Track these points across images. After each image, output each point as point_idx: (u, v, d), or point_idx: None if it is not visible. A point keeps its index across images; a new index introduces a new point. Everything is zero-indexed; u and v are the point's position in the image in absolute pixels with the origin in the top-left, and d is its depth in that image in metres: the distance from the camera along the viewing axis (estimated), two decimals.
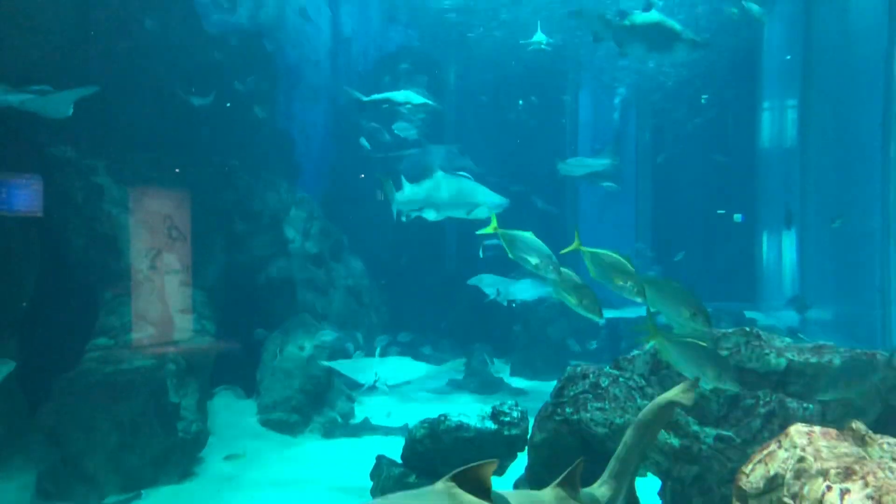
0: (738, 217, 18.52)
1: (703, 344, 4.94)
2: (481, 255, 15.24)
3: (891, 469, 3.81)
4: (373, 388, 11.53)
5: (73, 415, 8.60)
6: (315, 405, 11.57)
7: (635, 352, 6.68)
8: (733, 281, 18.55)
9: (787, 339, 6.38)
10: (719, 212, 19.20)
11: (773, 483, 4.19)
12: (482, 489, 3.51)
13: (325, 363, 11.82)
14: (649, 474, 6.21)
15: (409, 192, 10.27)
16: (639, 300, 5.01)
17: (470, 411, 7.33)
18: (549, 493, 4.19)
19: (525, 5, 18.14)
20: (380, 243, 17.37)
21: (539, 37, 14.88)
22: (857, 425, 4.30)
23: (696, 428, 5.78)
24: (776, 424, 5.56)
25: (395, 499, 3.48)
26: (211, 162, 12.31)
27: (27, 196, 9.04)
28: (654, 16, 10.06)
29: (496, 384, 14.33)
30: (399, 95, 11.81)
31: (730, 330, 6.36)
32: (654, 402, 4.97)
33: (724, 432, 5.71)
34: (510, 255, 5.68)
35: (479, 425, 7.10)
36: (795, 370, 5.84)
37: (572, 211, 21.39)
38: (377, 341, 13.79)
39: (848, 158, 14.03)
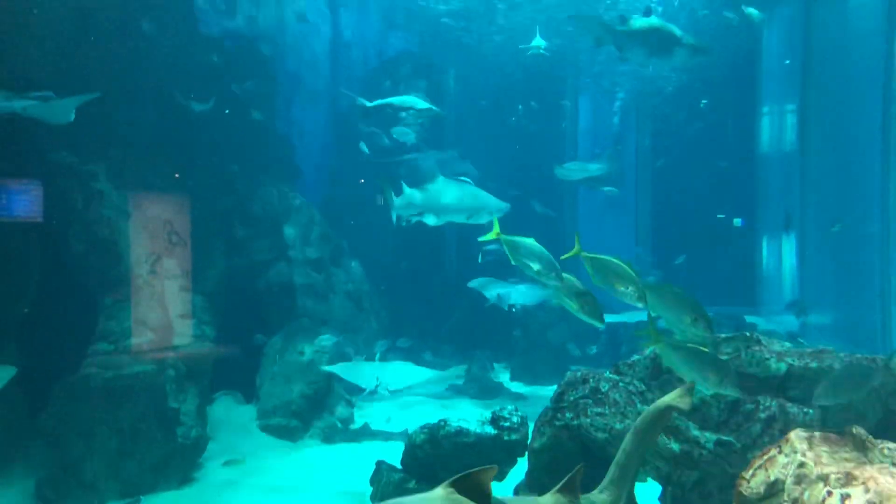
0: (737, 221, 18.51)
1: (705, 349, 4.94)
2: (480, 260, 15.25)
3: (891, 474, 3.80)
4: (374, 393, 11.53)
5: (73, 420, 8.60)
6: (315, 410, 11.56)
7: (635, 356, 6.68)
8: (733, 285, 18.52)
9: (787, 344, 6.38)
10: (719, 216, 19.20)
11: (774, 488, 4.19)
12: (482, 495, 3.50)
13: (327, 368, 11.82)
14: (650, 479, 6.20)
15: (408, 196, 10.26)
16: (640, 305, 5.01)
17: (470, 416, 7.33)
18: (549, 499, 4.19)
19: (523, 10, 18.16)
20: (380, 248, 17.36)
21: (538, 41, 14.90)
22: (858, 430, 4.30)
23: (696, 433, 5.77)
24: (776, 429, 5.55)
25: None
26: (211, 167, 12.32)
27: (27, 201, 9.05)
28: (654, 21, 10.06)
29: (496, 389, 14.32)
30: (403, 100, 11.82)
31: (730, 335, 6.36)
32: (651, 407, 4.97)
33: (725, 437, 5.70)
34: (512, 261, 5.68)
35: (478, 430, 7.10)
36: (796, 375, 5.84)
37: (571, 215, 21.39)
38: (376, 347, 13.79)
39: (847, 163, 14.03)
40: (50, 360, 8.97)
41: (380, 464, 7.73)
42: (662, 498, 5.97)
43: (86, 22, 9.89)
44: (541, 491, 4.43)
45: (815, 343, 7.31)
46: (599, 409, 6.19)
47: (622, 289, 5.05)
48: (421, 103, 11.39)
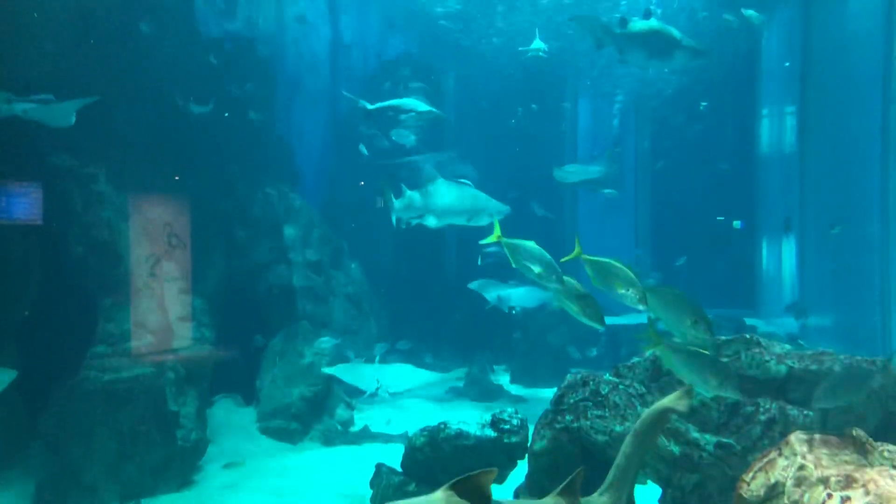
0: (737, 224, 18.51)
1: (705, 352, 4.94)
2: (479, 262, 15.25)
3: (891, 477, 3.80)
4: (374, 396, 11.53)
5: (73, 423, 8.59)
6: (315, 413, 11.55)
7: (635, 359, 6.68)
8: (733, 287, 18.53)
9: (787, 346, 6.38)
10: (719, 218, 19.20)
11: (774, 491, 4.19)
12: (482, 498, 3.50)
13: (328, 370, 11.82)
14: (650, 482, 6.19)
15: (408, 199, 10.27)
16: (641, 308, 5.01)
17: (470, 419, 7.33)
18: (549, 501, 4.19)
19: (522, 13, 18.18)
20: (380, 250, 17.37)
21: (537, 44, 14.91)
22: (858, 433, 4.30)
23: (696, 435, 5.77)
24: (777, 432, 5.55)
25: None
26: (210, 169, 12.31)
27: (27, 204, 9.05)
28: (654, 23, 10.07)
29: (496, 392, 14.31)
30: (404, 103, 11.82)
31: (730, 337, 6.36)
32: (649, 410, 4.98)
33: (725, 440, 5.70)
34: (513, 264, 5.68)
35: (478, 433, 7.10)
36: (796, 377, 5.84)
37: (571, 217, 21.40)
38: (376, 349, 13.78)
39: (847, 165, 14.03)
40: (49, 363, 8.96)
41: (380, 466, 7.73)
42: (662, 500, 5.96)
43: (86, 24, 9.90)
44: (541, 494, 4.44)
45: (816, 345, 7.31)
46: (599, 412, 6.19)
47: (623, 291, 5.05)
48: (422, 106, 11.40)
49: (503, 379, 15.52)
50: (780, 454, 4.34)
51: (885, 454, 4.14)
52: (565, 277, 5.40)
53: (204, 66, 12.49)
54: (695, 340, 4.93)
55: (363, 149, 16.39)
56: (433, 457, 7.14)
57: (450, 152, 17.52)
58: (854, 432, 4.31)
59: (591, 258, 5.30)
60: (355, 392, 12.40)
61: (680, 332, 5.00)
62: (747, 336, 6.33)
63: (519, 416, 7.29)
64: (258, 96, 13.91)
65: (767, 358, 6.00)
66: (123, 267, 9.89)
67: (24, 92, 8.18)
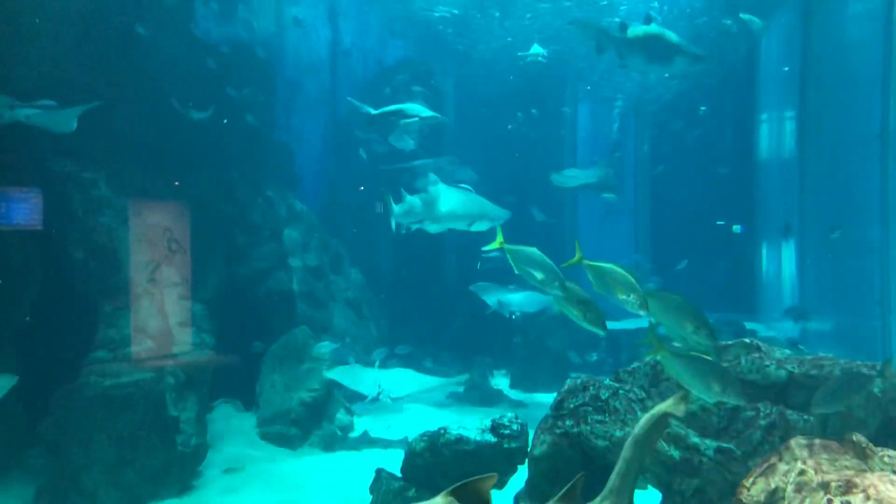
0: (737, 228, 18.52)
1: (707, 357, 4.94)
2: (479, 267, 15.25)
3: (892, 482, 3.80)
4: (376, 401, 11.52)
5: (72, 429, 8.58)
6: (314, 418, 11.54)
7: (635, 364, 6.68)
8: (733, 292, 18.55)
9: (787, 351, 6.39)
10: (718, 223, 19.21)
11: (774, 496, 4.19)
12: (482, 503, 3.50)
13: (329, 375, 11.81)
14: (650, 487, 6.19)
15: (408, 204, 10.27)
16: (642, 313, 5.01)
17: (469, 424, 7.32)
18: None
19: (521, 18, 18.21)
20: (379, 255, 17.38)
21: (536, 49, 14.93)
22: (858, 438, 4.30)
23: (696, 440, 5.77)
24: (777, 437, 5.55)
25: None
26: (210, 174, 12.32)
27: (27, 209, 9.06)
28: (654, 29, 10.10)
29: (496, 396, 14.30)
30: (407, 108, 11.81)
31: (730, 342, 6.36)
32: (647, 415, 4.97)
33: (725, 444, 5.70)
34: (516, 270, 5.68)
35: (478, 438, 7.10)
36: (796, 382, 5.84)
37: (571, 222, 21.41)
38: (375, 354, 13.77)
39: (846, 169, 14.05)
40: (49, 368, 8.96)
41: (379, 472, 7.72)
42: None
43: (85, 29, 9.91)
44: (541, 499, 4.44)
45: (816, 349, 7.32)
46: (600, 417, 6.18)
47: (624, 297, 5.05)
48: (425, 111, 11.39)
49: (503, 384, 15.52)
50: (780, 459, 4.34)
51: (886, 459, 4.14)
52: (568, 283, 5.41)
53: (203, 70, 12.51)
54: (696, 346, 4.93)
55: (363, 154, 16.39)
56: (433, 462, 7.14)
57: (450, 157, 17.53)
58: (854, 437, 4.31)
59: (593, 263, 5.30)
60: (356, 397, 12.40)
61: (681, 337, 5.00)
62: (747, 341, 6.34)
63: (519, 421, 7.29)
64: (258, 102, 13.93)
65: (768, 363, 6.01)
66: (123, 272, 9.89)
67: (25, 97, 8.21)
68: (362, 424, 12.01)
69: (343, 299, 15.20)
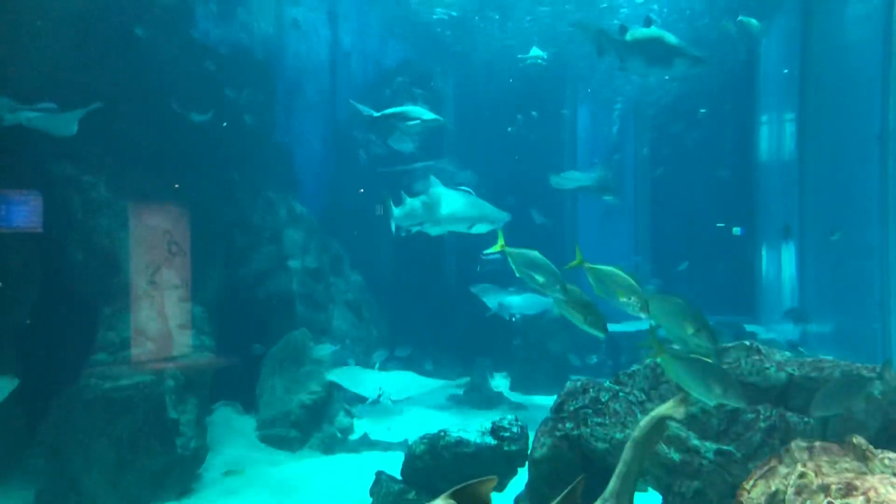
0: (737, 230, 18.52)
1: (708, 360, 4.94)
2: (479, 269, 15.24)
3: (892, 484, 3.80)
4: (377, 403, 11.51)
5: (72, 431, 8.58)
6: (314, 420, 11.53)
7: (635, 366, 6.67)
8: (733, 294, 18.54)
9: (787, 354, 6.37)
10: (718, 225, 19.21)
11: (775, 499, 4.18)
12: None
13: (331, 377, 11.81)
14: (650, 489, 6.18)
15: (408, 206, 10.26)
16: (643, 316, 5.00)
17: (470, 426, 7.32)
18: None
19: (520, 21, 18.22)
20: (379, 257, 17.37)
21: (535, 52, 14.93)
22: (858, 440, 4.30)
23: (696, 442, 5.76)
24: (777, 439, 5.54)
25: None
26: (210, 176, 12.32)
27: (27, 211, 9.07)
28: (654, 31, 10.09)
29: (496, 399, 14.30)
30: (409, 111, 11.80)
31: (730, 344, 6.35)
32: (646, 418, 4.97)
33: (725, 447, 5.69)
34: (517, 274, 5.68)
35: (478, 441, 7.10)
36: (796, 385, 5.84)
37: (571, 224, 21.41)
38: (375, 356, 13.76)
39: (846, 171, 14.05)
40: (49, 371, 8.96)
41: (379, 474, 7.72)
42: None
43: (86, 32, 9.93)
44: (541, 502, 4.43)
45: (816, 351, 7.32)
46: (600, 419, 6.18)
47: (625, 299, 5.05)
48: (427, 114, 11.37)
49: (503, 386, 15.51)
50: (780, 462, 4.34)
51: (886, 462, 4.14)
52: (569, 286, 5.40)
53: (202, 73, 12.51)
54: (697, 348, 4.93)
55: (363, 155, 16.38)
56: (433, 465, 7.13)
57: (450, 159, 17.52)
58: (854, 440, 4.31)
59: (593, 266, 5.30)
60: (356, 399, 12.40)
61: (681, 340, 5.00)
62: (747, 343, 6.33)
63: (519, 423, 7.29)
64: (257, 104, 13.94)
65: (768, 365, 6.00)
66: (123, 274, 9.90)
67: (24, 99, 8.22)
68: (362, 427, 12.01)
69: (343, 301, 15.19)
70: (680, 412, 4.86)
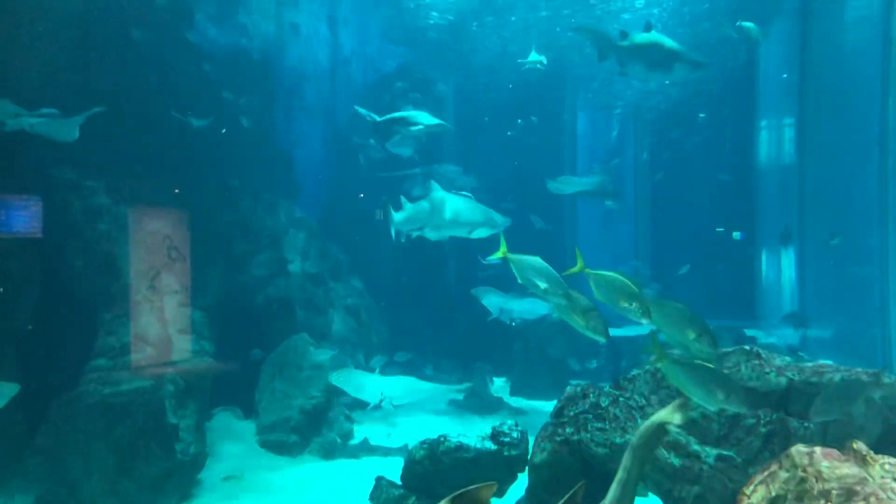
0: (736, 235, 18.53)
1: (709, 365, 4.93)
2: (480, 275, 15.23)
3: (892, 490, 3.79)
4: (378, 408, 11.51)
5: (72, 437, 8.56)
6: (314, 426, 11.52)
7: (635, 371, 6.67)
8: (733, 298, 18.53)
9: (787, 358, 6.37)
10: (718, 229, 19.22)
11: None
12: None
13: (332, 381, 11.80)
14: (650, 494, 6.18)
15: (408, 211, 10.26)
16: (644, 322, 5.00)
17: (469, 432, 7.32)
18: None
19: (518, 25, 18.23)
20: (379, 262, 17.37)
21: (535, 56, 14.94)
22: (859, 445, 4.29)
23: (696, 447, 5.76)
24: (777, 444, 5.53)
25: None
26: (210, 182, 12.34)
27: (28, 217, 9.07)
28: (654, 36, 10.11)
29: (496, 404, 14.28)
30: (412, 115, 11.79)
31: (730, 349, 6.35)
32: (646, 423, 4.96)
33: (725, 452, 5.68)
34: (519, 280, 5.67)
35: (478, 446, 7.09)
36: (797, 389, 5.83)
37: (571, 229, 21.41)
38: (374, 361, 13.75)
39: (846, 175, 14.07)
40: (49, 376, 8.95)
41: (379, 479, 7.71)
42: None
43: (86, 37, 9.94)
44: None
45: (815, 356, 7.31)
46: (600, 424, 6.18)
47: (627, 305, 5.04)
48: (430, 118, 11.36)
49: (503, 391, 15.50)
50: (780, 467, 4.33)
51: (887, 467, 4.13)
52: (571, 292, 5.39)
53: (201, 76, 12.52)
54: (698, 353, 4.92)
55: (362, 160, 16.39)
56: (433, 470, 7.13)
57: (450, 164, 17.54)
58: (855, 445, 4.30)
59: (595, 272, 5.30)
60: (356, 404, 12.39)
61: (682, 345, 4.99)
62: (747, 348, 6.32)
63: (519, 428, 7.28)
64: (257, 109, 13.95)
65: (768, 370, 5.99)
66: (123, 280, 9.90)
67: (23, 104, 8.23)
68: (362, 432, 11.99)
69: (342, 306, 15.19)
70: (679, 417, 4.85)
